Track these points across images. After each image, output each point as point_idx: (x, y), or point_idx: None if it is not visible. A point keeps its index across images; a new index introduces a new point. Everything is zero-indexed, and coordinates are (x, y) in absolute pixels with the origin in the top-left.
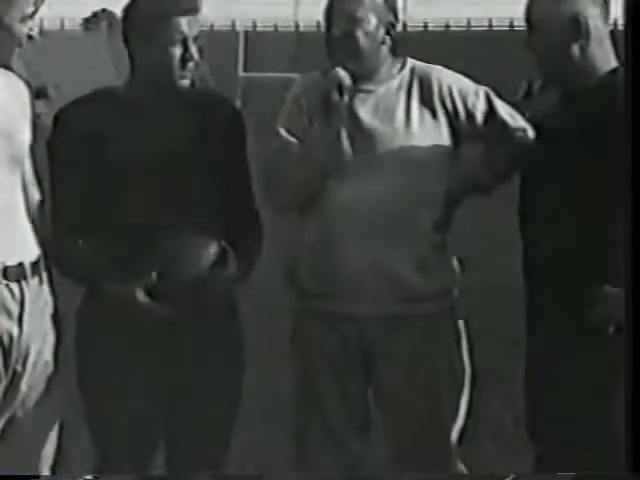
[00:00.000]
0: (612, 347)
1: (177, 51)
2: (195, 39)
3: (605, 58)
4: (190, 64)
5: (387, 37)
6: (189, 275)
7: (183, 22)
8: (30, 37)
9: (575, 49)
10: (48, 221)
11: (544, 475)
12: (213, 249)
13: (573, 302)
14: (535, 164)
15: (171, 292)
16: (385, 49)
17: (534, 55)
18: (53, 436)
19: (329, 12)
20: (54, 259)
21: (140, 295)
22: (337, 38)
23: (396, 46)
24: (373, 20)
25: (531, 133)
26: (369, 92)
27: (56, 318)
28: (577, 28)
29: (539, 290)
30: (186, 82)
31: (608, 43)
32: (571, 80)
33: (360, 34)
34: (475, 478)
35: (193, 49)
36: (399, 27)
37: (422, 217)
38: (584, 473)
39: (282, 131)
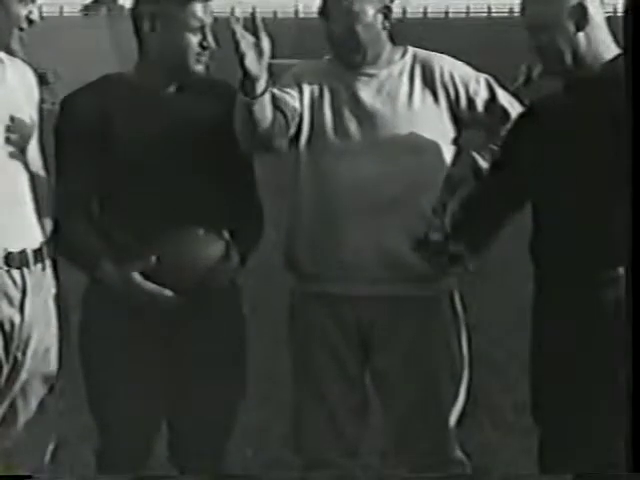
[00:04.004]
0: (623, 331)
1: (194, 38)
2: (210, 27)
3: (607, 45)
4: (207, 52)
5: (386, 22)
6: (190, 263)
7: (199, 8)
8: (30, 21)
9: (581, 38)
10: (52, 203)
11: (545, 475)
12: (218, 240)
13: (584, 285)
14: (536, 152)
15: (168, 278)
16: (384, 34)
17: (538, 53)
18: (53, 426)
19: (324, 8)
20: (57, 243)
21: (137, 277)
22: (337, 34)
23: (393, 30)
24: (370, 10)
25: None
26: (371, 76)
27: (59, 305)
28: (582, 15)
29: (549, 273)
30: (200, 68)
31: (606, 29)
32: (575, 71)
33: (360, 28)
34: (474, 478)
35: (210, 37)
36: (398, 13)
37: (421, 200)
38: (584, 473)
39: (277, 91)
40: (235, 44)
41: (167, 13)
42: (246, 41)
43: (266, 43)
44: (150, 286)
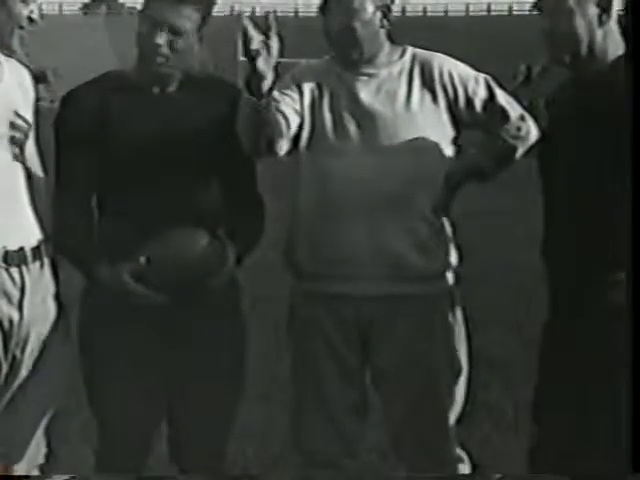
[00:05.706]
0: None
1: (161, 39)
2: (199, 28)
3: (616, 42)
4: (174, 54)
5: (384, 21)
6: (179, 263)
7: (189, 12)
8: (31, 20)
9: (599, 34)
10: (49, 201)
11: (543, 475)
12: (207, 239)
13: (593, 286)
14: (541, 151)
15: (160, 279)
16: (383, 32)
17: (550, 43)
18: (46, 421)
19: (325, 4)
20: (56, 242)
21: (127, 279)
22: (335, 30)
23: (393, 29)
24: (370, 8)
25: (530, 121)
26: (371, 75)
27: (57, 303)
28: (608, 5)
29: (560, 275)
30: (167, 71)
31: (616, 26)
32: (585, 66)
33: (358, 25)
34: (474, 478)
35: (181, 40)
36: (398, 12)
37: (421, 199)
38: (583, 474)
39: (277, 94)
40: (246, 43)
41: (147, 14)
42: (256, 40)
43: (275, 43)
44: (139, 289)
